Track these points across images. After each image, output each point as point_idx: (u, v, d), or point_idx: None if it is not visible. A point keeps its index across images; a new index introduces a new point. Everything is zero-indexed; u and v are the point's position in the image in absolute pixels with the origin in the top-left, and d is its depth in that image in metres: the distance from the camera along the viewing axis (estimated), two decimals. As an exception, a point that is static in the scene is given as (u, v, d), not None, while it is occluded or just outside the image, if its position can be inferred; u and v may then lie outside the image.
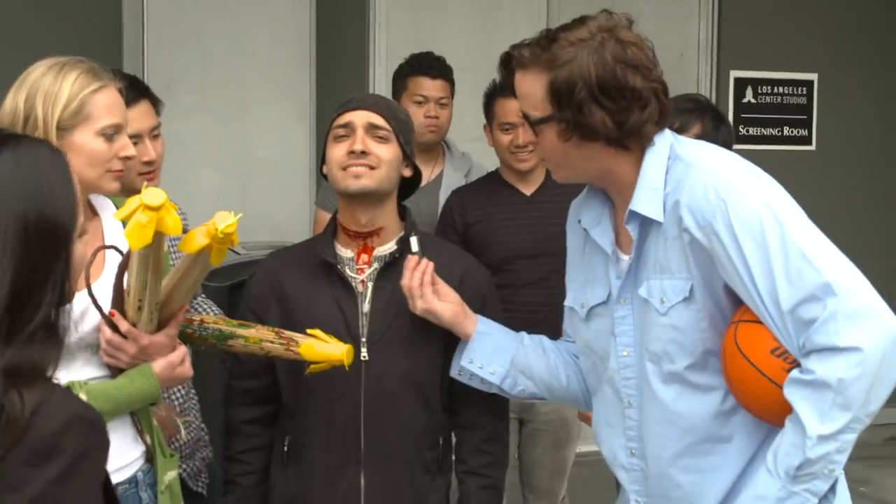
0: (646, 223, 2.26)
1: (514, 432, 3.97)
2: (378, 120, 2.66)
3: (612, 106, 2.18)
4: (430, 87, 4.11)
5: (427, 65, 4.18)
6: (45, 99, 2.29)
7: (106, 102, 2.36)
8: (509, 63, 2.31)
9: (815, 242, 2.09)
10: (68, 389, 1.62)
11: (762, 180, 2.20)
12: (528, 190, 3.91)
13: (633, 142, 2.24)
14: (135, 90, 2.94)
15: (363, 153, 2.62)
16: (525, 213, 3.85)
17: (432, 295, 2.60)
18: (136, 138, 2.86)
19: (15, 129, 2.27)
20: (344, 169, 2.63)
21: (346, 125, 2.66)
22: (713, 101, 6.38)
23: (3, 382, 1.52)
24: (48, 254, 1.60)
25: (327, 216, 3.93)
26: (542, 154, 2.37)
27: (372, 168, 2.63)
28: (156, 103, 3.06)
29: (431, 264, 2.61)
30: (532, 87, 2.25)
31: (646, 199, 2.24)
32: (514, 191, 3.91)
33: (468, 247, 3.77)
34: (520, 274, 3.76)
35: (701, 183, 2.17)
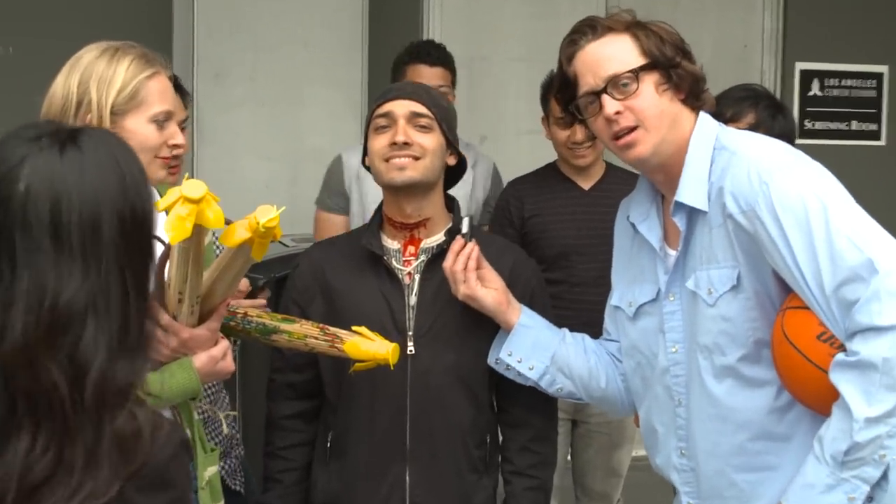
0: (692, 214, 2.29)
1: (566, 433, 3.95)
2: (420, 108, 2.66)
3: (688, 60, 2.34)
4: (428, 74, 4.03)
5: (425, 52, 4.15)
6: (100, 83, 2.32)
7: (159, 88, 2.39)
8: (594, 29, 2.37)
9: (859, 223, 2.09)
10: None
11: (806, 164, 2.22)
12: (586, 184, 3.90)
13: (698, 101, 2.35)
14: None
15: (406, 144, 2.62)
16: (582, 207, 3.84)
17: (476, 280, 2.60)
18: None
19: (67, 114, 2.31)
20: (387, 160, 2.63)
21: (387, 115, 2.65)
22: (778, 94, 6.30)
23: (121, 402, 1.46)
24: (144, 253, 1.57)
25: (328, 218, 3.98)
26: (636, 115, 2.32)
27: (416, 158, 2.63)
28: (184, 96, 3.08)
29: (477, 248, 2.61)
30: (620, 47, 2.34)
31: (691, 189, 2.28)
32: (571, 184, 3.91)
33: (523, 241, 3.76)
34: (575, 271, 3.75)
35: (744, 168, 2.21)
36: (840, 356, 2.05)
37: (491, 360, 2.67)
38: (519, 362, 2.63)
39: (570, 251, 3.77)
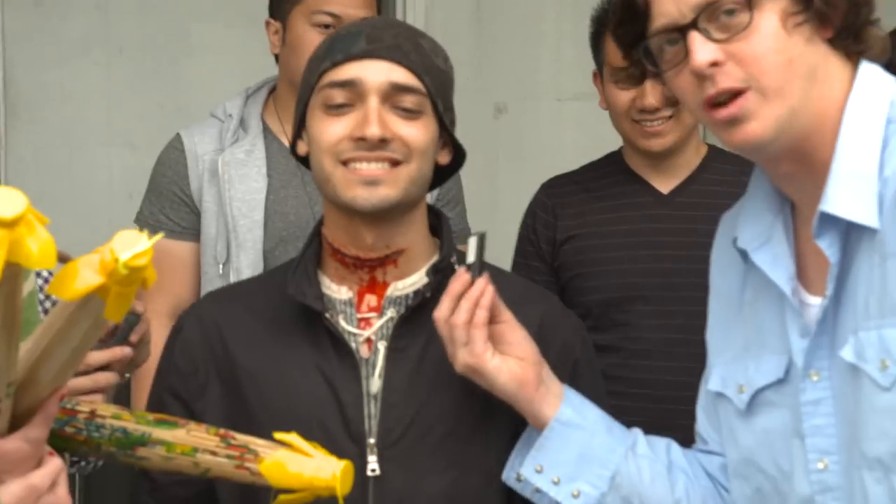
0: (851, 234, 2.26)
1: None
2: (407, 78, 2.66)
3: None
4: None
5: None
6: None
7: None
8: None
9: None
10: None
11: None
12: (665, 185, 3.93)
13: (856, 46, 2.31)
14: None
15: (382, 141, 2.61)
16: (655, 223, 3.86)
17: (485, 343, 2.57)
18: None
19: None
20: (345, 163, 2.63)
21: (349, 86, 2.64)
22: None
23: None
24: None
25: (168, 247, 3.90)
26: (746, 69, 2.30)
27: (396, 163, 2.63)
28: None
29: (492, 289, 2.58)
30: None
31: (847, 192, 2.24)
32: (640, 185, 3.94)
33: (559, 279, 3.78)
34: (639, 330, 3.76)
35: None
36: None
37: (508, 478, 2.67)
38: (555, 484, 2.62)
39: (634, 297, 3.78)
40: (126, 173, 5.53)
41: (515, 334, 2.62)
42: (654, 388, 3.60)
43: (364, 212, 2.62)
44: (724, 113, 2.28)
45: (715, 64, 2.26)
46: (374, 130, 2.58)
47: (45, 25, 5.48)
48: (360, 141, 2.60)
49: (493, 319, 2.58)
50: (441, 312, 2.57)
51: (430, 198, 3.91)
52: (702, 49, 2.25)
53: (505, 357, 2.59)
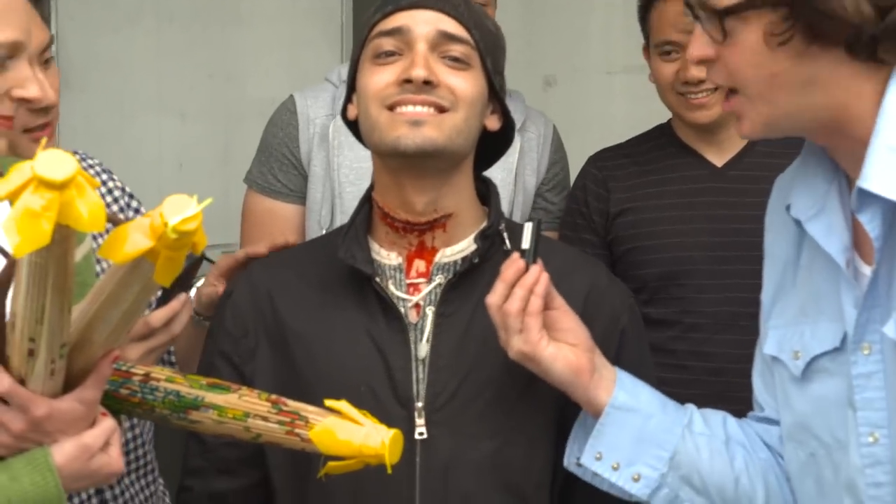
0: (894, 208, 2.24)
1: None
2: (454, 28, 2.68)
3: None
4: None
5: None
6: None
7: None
8: None
9: None
10: None
11: None
12: (717, 158, 3.93)
13: (889, 54, 2.23)
14: None
15: (427, 83, 2.63)
16: (710, 196, 3.86)
17: (540, 330, 2.57)
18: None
19: None
20: (391, 109, 2.65)
21: (398, 33, 2.67)
22: None
23: None
24: None
25: (269, 206, 3.97)
26: (729, 75, 2.33)
27: (442, 110, 2.65)
28: (42, 5, 3.06)
29: (546, 277, 2.58)
30: None
31: (885, 170, 2.22)
32: (693, 158, 3.95)
33: (611, 252, 3.79)
34: (695, 304, 3.77)
35: None
36: None
37: (569, 464, 2.69)
38: (614, 469, 2.63)
39: (688, 270, 3.78)
40: (175, 142, 5.58)
41: (569, 321, 2.62)
42: (711, 360, 3.60)
43: (408, 153, 2.62)
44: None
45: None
46: (419, 72, 2.61)
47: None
48: (406, 84, 2.62)
49: (546, 306, 2.59)
50: (494, 299, 2.57)
51: (534, 176, 4.01)
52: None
53: (559, 344, 2.59)
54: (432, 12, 2.67)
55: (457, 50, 2.67)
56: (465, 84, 2.67)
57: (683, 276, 3.78)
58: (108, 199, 3.12)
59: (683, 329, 3.74)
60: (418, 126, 2.61)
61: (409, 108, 2.62)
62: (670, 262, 3.80)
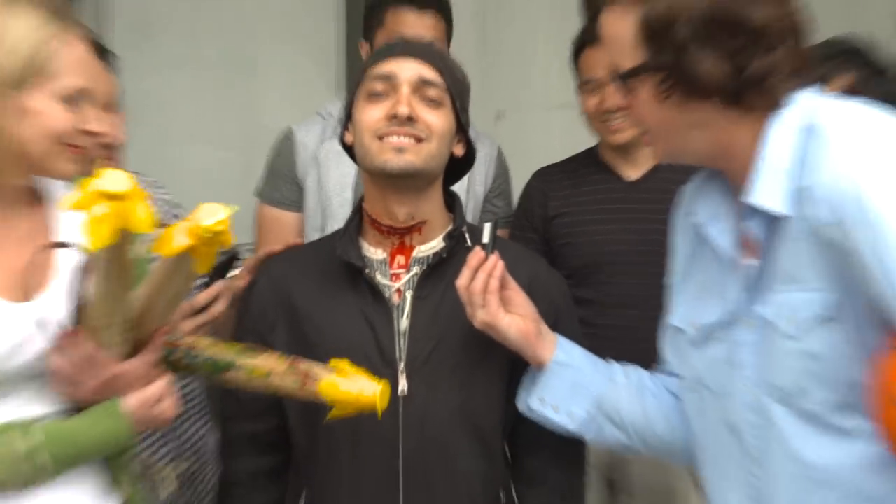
0: (771, 218, 2.25)
1: (603, 499, 4.03)
2: (431, 75, 2.71)
3: (726, 47, 2.18)
4: (414, 22, 3.97)
5: None
6: None
7: (73, 56, 2.42)
8: (594, 1, 2.34)
9: None
10: None
11: None
12: (632, 173, 3.92)
13: (756, 100, 2.23)
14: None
15: (410, 119, 2.66)
16: (625, 204, 3.86)
17: (498, 305, 2.62)
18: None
19: None
20: (380, 138, 2.67)
21: (388, 78, 2.70)
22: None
23: None
24: None
25: (275, 215, 3.94)
26: (636, 121, 2.38)
27: (419, 140, 2.67)
28: (111, 62, 3.05)
29: (502, 264, 2.63)
30: (620, 27, 2.27)
31: (767, 187, 2.22)
32: (612, 175, 3.94)
33: (548, 248, 3.80)
34: (612, 287, 3.77)
35: (840, 164, 2.12)
36: None
37: (521, 407, 2.72)
38: (555, 410, 2.68)
39: (606, 261, 3.78)
40: (207, 163, 5.58)
41: (519, 298, 2.67)
42: (622, 331, 3.61)
43: (393, 173, 2.66)
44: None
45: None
46: (403, 110, 2.64)
47: (146, 44, 5.47)
48: (393, 118, 2.65)
49: (502, 287, 2.63)
50: (462, 281, 2.62)
51: (481, 187, 4.01)
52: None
53: (512, 316, 2.64)
54: (415, 62, 2.70)
55: (433, 93, 2.70)
56: (438, 120, 2.70)
57: (603, 265, 3.79)
58: (155, 208, 3.13)
59: (602, 307, 3.75)
60: (402, 152, 2.65)
61: (395, 139, 2.65)
62: (593, 255, 3.81)
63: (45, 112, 2.36)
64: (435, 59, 2.74)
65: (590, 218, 3.87)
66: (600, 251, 3.81)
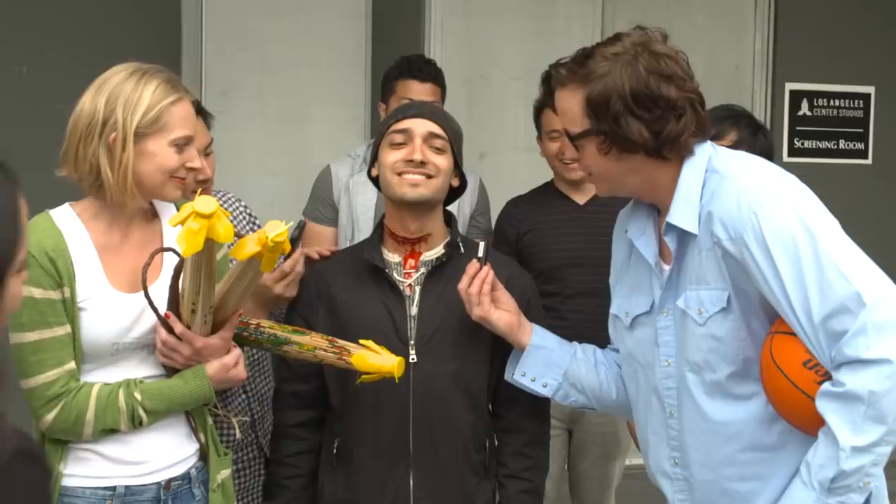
0: (683, 235, 2.28)
1: (563, 443, 3.99)
2: (437, 130, 2.70)
3: (648, 116, 2.22)
4: (418, 90, 3.97)
5: (416, 67, 4.06)
6: (126, 105, 2.35)
7: (181, 114, 2.42)
8: (549, 82, 2.36)
9: (848, 254, 2.09)
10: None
11: (795, 190, 2.20)
12: (580, 199, 3.89)
13: (671, 152, 2.27)
14: None
15: (422, 163, 2.66)
16: (576, 222, 3.83)
17: (490, 303, 2.62)
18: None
19: (92, 131, 2.35)
20: (399, 174, 2.67)
21: (405, 132, 2.70)
22: (768, 113, 6.35)
23: None
24: None
25: (317, 229, 3.90)
26: (584, 169, 2.40)
27: (429, 177, 2.67)
28: (207, 119, 3.08)
29: (492, 273, 2.64)
30: (570, 103, 2.30)
31: (682, 212, 2.26)
32: (566, 200, 3.90)
33: (520, 256, 3.77)
34: (569, 282, 3.74)
35: (733, 195, 2.19)
36: (827, 386, 2.08)
37: (508, 378, 2.70)
38: (532, 381, 2.66)
39: (563, 263, 3.76)
40: (270, 189, 5.57)
41: (505, 297, 2.66)
42: (575, 316, 3.60)
43: (409, 202, 2.67)
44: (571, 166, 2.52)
45: (574, 160, 2.39)
46: (417, 156, 2.66)
47: (227, 104, 5.50)
48: (410, 162, 2.66)
49: (492, 289, 2.63)
50: (462, 285, 2.62)
51: (468, 208, 3.99)
52: (568, 150, 2.37)
53: (500, 311, 2.63)
54: (425, 120, 2.70)
55: (438, 143, 2.69)
56: (442, 162, 2.69)
57: (563, 266, 3.76)
58: (240, 218, 3.17)
59: (562, 298, 3.72)
60: (416, 187, 2.66)
61: (410, 176, 2.66)
62: (553, 260, 3.78)
63: (161, 154, 2.39)
64: (440, 118, 2.74)
65: (551, 231, 3.84)
66: (560, 256, 3.78)
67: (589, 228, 3.77)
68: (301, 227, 2.76)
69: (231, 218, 2.26)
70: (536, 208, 3.92)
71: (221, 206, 3.03)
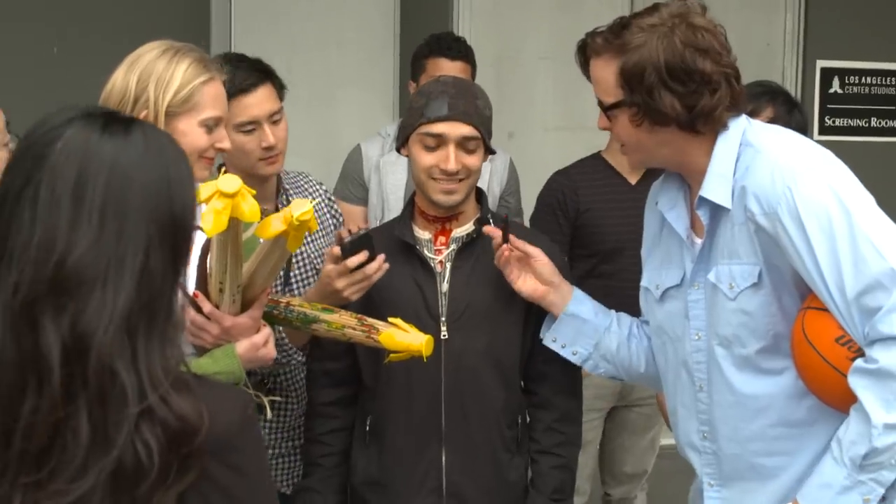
0: (716, 209, 2.26)
1: (601, 420, 3.97)
2: (471, 132, 2.64)
3: (682, 90, 2.19)
4: (449, 68, 3.92)
5: (446, 46, 4.04)
6: (158, 83, 2.33)
7: (213, 94, 2.40)
8: (585, 51, 2.33)
9: (883, 230, 2.07)
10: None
11: (830, 166, 2.18)
12: (633, 178, 3.85)
13: (705, 126, 2.24)
14: (257, 73, 2.93)
15: (455, 172, 2.63)
16: (630, 203, 3.73)
17: (518, 274, 2.61)
18: (254, 124, 2.90)
19: (123, 108, 2.31)
20: (434, 179, 2.64)
21: (439, 136, 2.63)
22: (799, 91, 6.29)
23: (161, 390, 1.38)
24: (178, 245, 1.48)
25: (348, 208, 3.88)
26: (617, 139, 2.39)
27: (461, 180, 2.64)
28: (279, 87, 3.03)
29: (507, 246, 2.61)
30: (604, 72, 2.28)
31: (715, 186, 2.24)
32: (620, 178, 3.86)
33: (576, 233, 3.74)
34: (626, 265, 3.62)
35: (767, 169, 2.17)
36: (859, 362, 2.06)
37: (542, 336, 2.69)
38: (563, 347, 2.65)
39: (624, 246, 3.67)
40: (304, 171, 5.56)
41: (544, 262, 2.62)
42: (624, 290, 3.55)
43: (442, 207, 2.66)
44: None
45: (607, 128, 2.35)
46: (452, 166, 2.61)
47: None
48: (443, 171, 2.62)
49: (528, 260, 2.62)
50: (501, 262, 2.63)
51: (498, 188, 4.03)
52: (601, 119, 2.33)
53: (526, 278, 2.63)
54: (458, 123, 2.63)
55: (471, 144, 2.64)
56: (474, 161, 2.65)
57: (621, 250, 3.71)
58: (321, 203, 3.18)
59: (619, 280, 3.62)
60: (449, 194, 2.64)
61: (444, 184, 2.63)
62: (614, 242, 3.75)
63: (191, 134, 2.37)
64: (473, 117, 2.66)
65: (610, 213, 3.79)
66: (619, 238, 3.72)
67: (641, 210, 3.70)
68: (367, 239, 2.67)
69: (314, 204, 2.24)
70: (593, 184, 3.86)
71: (304, 189, 3.05)
